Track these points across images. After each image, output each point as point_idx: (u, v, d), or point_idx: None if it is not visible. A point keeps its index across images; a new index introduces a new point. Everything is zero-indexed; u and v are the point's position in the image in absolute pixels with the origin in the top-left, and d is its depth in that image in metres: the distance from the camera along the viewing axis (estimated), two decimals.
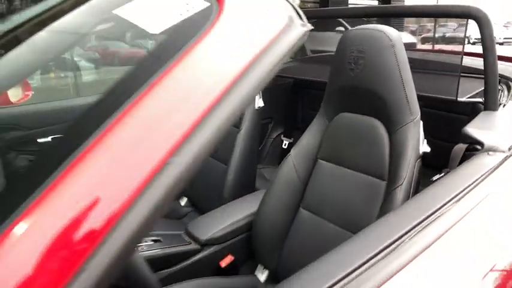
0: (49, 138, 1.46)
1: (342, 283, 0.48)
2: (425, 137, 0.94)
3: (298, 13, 0.46)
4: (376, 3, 20.69)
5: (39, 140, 1.47)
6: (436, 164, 0.98)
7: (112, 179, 0.29)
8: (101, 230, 0.27)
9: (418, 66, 1.00)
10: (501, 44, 22.68)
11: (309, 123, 1.16)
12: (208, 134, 0.33)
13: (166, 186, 0.30)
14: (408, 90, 0.92)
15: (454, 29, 9.35)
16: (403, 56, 0.91)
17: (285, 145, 2.06)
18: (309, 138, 1.13)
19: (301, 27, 0.43)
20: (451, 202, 0.60)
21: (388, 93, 0.92)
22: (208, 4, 0.42)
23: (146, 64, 0.38)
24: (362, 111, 1.01)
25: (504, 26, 28.93)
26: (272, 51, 0.40)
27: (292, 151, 1.13)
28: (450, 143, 0.95)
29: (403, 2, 19.69)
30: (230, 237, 1.15)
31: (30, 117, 1.46)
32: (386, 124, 0.96)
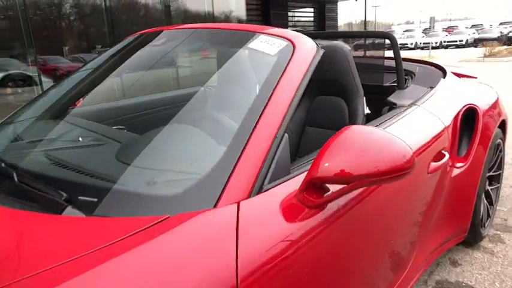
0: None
1: None
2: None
3: (316, 43, 1.14)
4: (311, 10, 22.19)
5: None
6: None
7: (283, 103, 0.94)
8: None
9: (360, 67, 1.72)
10: (422, 48, 25.38)
11: None
12: (290, 112, 0.98)
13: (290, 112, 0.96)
14: (356, 80, 1.64)
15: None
16: (352, 60, 1.63)
17: None
18: (299, 114, 1.82)
19: (320, 50, 1.11)
20: (377, 125, 1.31)
21: (346, 82, 1.64)
22: (287, 43, 1.08)
23: (271, 75, 1.01)
24: (331, 94, 1.72)
25: (423, 32, 32.31)
26: (310, 68, 1.06)
27: (289, 123, 1.82)
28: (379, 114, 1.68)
29: (337, 11, 21.33)
30: None
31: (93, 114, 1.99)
32: (345, 99, 1.68)
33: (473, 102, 1.80)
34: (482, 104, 1.87)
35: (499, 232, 2.19)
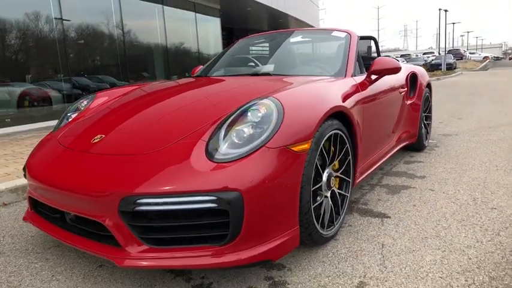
0: None
1: None
2: None
3: (357, 35, 2.82)
4: None
5: None
6: None
7: None
8: None
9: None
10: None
11: None
12: (356, 58, 2.65)
13: None
14: (360, 57, 3.33)
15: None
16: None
17: None
18: None
19: (359, 38, 2.79)
20: None
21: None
22: (346, 33, 2.74)
23: (345, 44, 2.64)
24: None
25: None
26: (358, 44, 2.72)
27: None
28: None
29: None
30: None
31: None
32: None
33: (414, 70, 3.59)
34: (419, 72, 3.68)
35: (432, 147, 3.98)
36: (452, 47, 57.44)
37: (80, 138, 1.83)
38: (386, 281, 1.57)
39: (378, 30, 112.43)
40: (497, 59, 60.66)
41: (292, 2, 16.17)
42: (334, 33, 2.77)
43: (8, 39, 6.63)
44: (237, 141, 1.49)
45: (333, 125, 1.84)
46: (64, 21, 7.28)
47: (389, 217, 2.23)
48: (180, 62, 11.00)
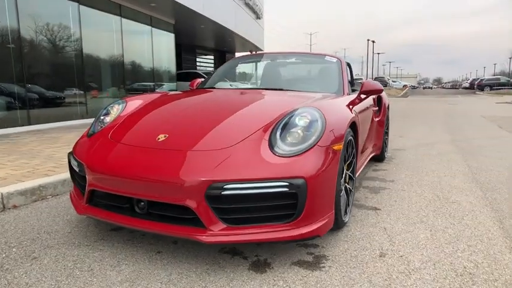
0: None
1: None
2: None
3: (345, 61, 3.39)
4: (212, 57, 24.95)
5: None
6: None
7: None
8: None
9: None
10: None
11: None
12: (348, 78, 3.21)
13: None
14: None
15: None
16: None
17: None
18: None
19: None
20: None
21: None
22: (337, 59, 3.30)
23: (337, 67, 3.18)
24: None
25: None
26: (347, 67, 3.29)
27: None
28: None
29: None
30: None
31: None
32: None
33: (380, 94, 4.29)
34: (383, 94, 4.39)
35: (390, 159, 4.70)
36: (377, 74, 63.53)
37: (142, 138, 2.06)
38: (399, 251, 2.04)
39: None
40: (413, 87, 68.41)
41: (242, 23, 16.94)
42: (327, 58, 3.32)
43: None
44: (293, 141, 1.87)
45: (350, 132, 2.31)
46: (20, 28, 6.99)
47: (380, 209, 2.74)
48: (135, 74, 10.93)
